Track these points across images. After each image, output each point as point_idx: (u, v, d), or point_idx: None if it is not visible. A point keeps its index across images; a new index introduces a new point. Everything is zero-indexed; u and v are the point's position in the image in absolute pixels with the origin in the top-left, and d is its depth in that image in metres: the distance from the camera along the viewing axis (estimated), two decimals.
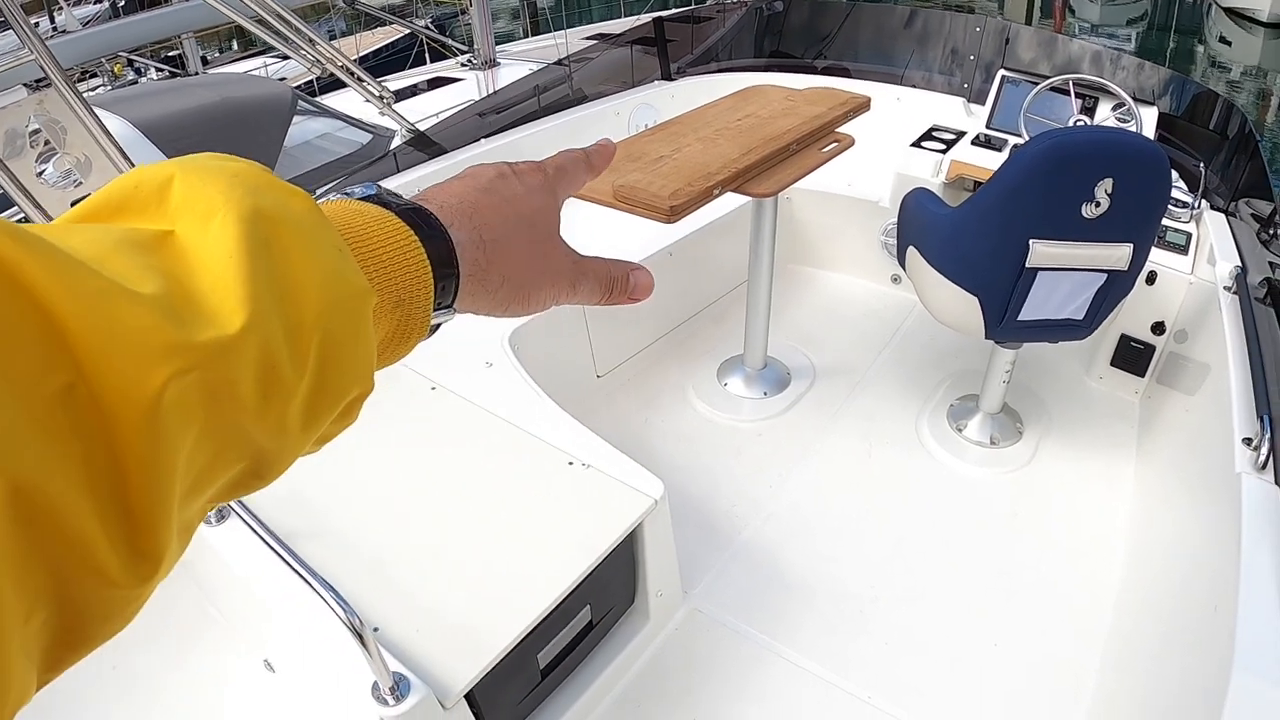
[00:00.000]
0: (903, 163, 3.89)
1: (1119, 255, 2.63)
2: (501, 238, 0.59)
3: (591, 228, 3.66)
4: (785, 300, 4.17)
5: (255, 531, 1.84)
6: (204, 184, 0.41)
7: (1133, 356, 3.43)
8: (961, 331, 2.96)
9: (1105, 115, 3.75)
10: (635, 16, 10.78)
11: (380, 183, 0.56)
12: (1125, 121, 3.67)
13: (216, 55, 17.75)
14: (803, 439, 3.40)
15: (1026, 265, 2.64)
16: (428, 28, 11.68)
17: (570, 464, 2.40)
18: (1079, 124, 3.67)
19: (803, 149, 3.04)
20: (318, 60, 3.91)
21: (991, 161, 3.71)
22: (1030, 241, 2.60)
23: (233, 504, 1.90)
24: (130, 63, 13.00)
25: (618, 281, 0.70)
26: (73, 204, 2.68)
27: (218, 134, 6.20)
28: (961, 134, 4.00)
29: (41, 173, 2.71)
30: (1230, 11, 24.58)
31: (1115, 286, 2.73)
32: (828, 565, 2.85)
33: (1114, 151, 2.47)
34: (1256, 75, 20.29)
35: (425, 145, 3.87)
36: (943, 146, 3.91)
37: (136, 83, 12.22)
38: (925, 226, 2.94)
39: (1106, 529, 2.91)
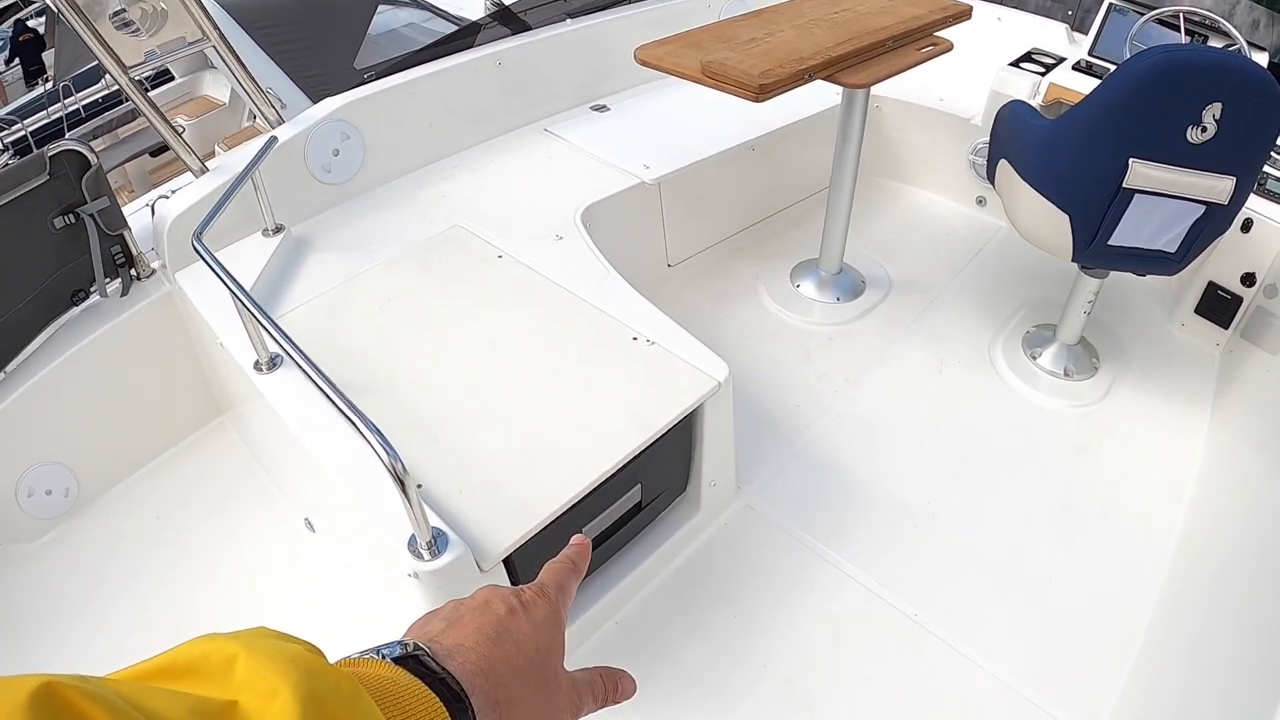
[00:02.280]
0: (999, 81, 3.74)
1: (1221, 188, 2.50)
2: (515, 695, 0.62)
3: (676, 115, 3.60)
4: (866, 211, 4.07)
5: (308, 375, 1.82)
6: (266, 665, 0.46)
7: (1219, 306, 3.29)
8: (1048, 251, 2.85)
9: None
10: None
11: (408, 640, 0.60)
12: None
13: None
14: (873, 348, 3.32)
15: (1124, 185, 2.52)
16: None
17: (634, 339, 2.35)
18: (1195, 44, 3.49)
19: (899, 47, 2.93)
20: None
21: (1092, 88, 3.56)
22: (1130, 160, 2.48)
23: (287, 349, 1.87)
24: None
25: (609, 690, 0.74)
26: (146, 54, 2.69)
27: (302, 16, 6.21)
28: (1062, 59, 3.84)
29: (118, 23, 2.69)
30: None
31: (1212, 222, 2.61)
32: (887, 477, 2.79)
33: (1227, 75, 2.32)
34: None
35: (509, 20, 3.79)
36: (1042, 69, 3.76)
37: None
38: (1020, 138, 2.82)
39: (1174, 477, 2.82)
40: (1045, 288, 3.59)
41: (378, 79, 3.29)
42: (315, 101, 5.68)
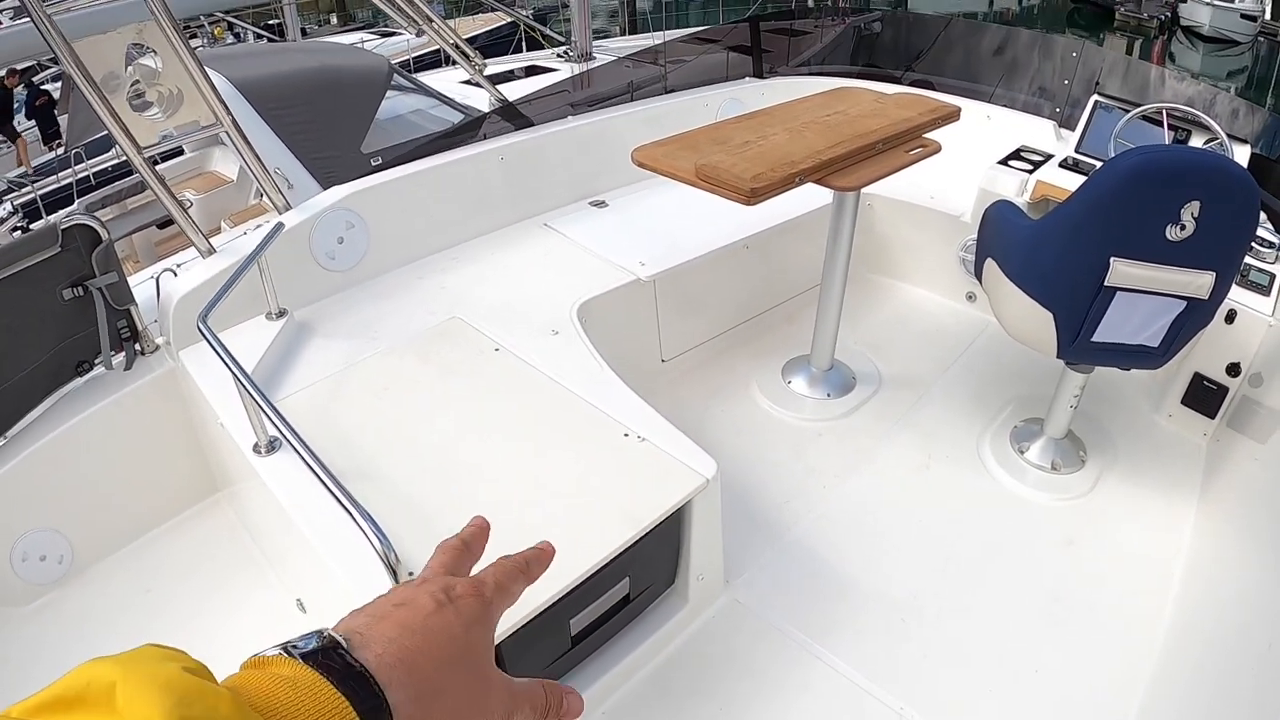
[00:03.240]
0: (988, 179, 3.83)
1: (1201, 283, 2.56)
2: (438, 688, 0.60)
3: (673, 212, 3.69)
4: (857, 307, 4.14)
5: (305, 461, 1.87)
6: (142, 692, 0.46)
7: (1205, 396, 3.35)
8: (1033, 348, 2.90)
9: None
10: (732, 24, 10.83)
11: (327, 632, 0.59)
12: None
13: (316, 28, 18.14)
14: (862, 444, 3.36)
15: (1105, 283, 2.58)
16: (528, 18, 11.82)
17: (625, 435, 2.40)
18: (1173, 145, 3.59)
19: (889, 149, 3.02)
20: (422, 29, 3.97)
21: (1077, 185, 3.63)
22: (1111, 259, 2.54)
23: (285, 433, 1.93)
24: (230, 26, 13.34)
25: (552, 705, 0.72)
26: (161, 136, 2.78)
27: (313, 99, 6.39)
28: (1049, 156, 3.94)
29: (136, 105, 2.77)
30: None
31: (1193, 316, 2.67)
32: (874, 571, 2.81)
33: (1204, 174, 2.41)
34: None
35: (513, 116, 3.91)
36: (1029, 166, 3.86)
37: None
38: (1005, 238, 2.90)
39: (1161, 568, 2.84)
40: (1033, 383, 3.64)
41: (384, 167, 3.40)
42: (322, 183, 5.84)
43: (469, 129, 3.83)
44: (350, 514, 1.74)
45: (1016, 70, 4.78)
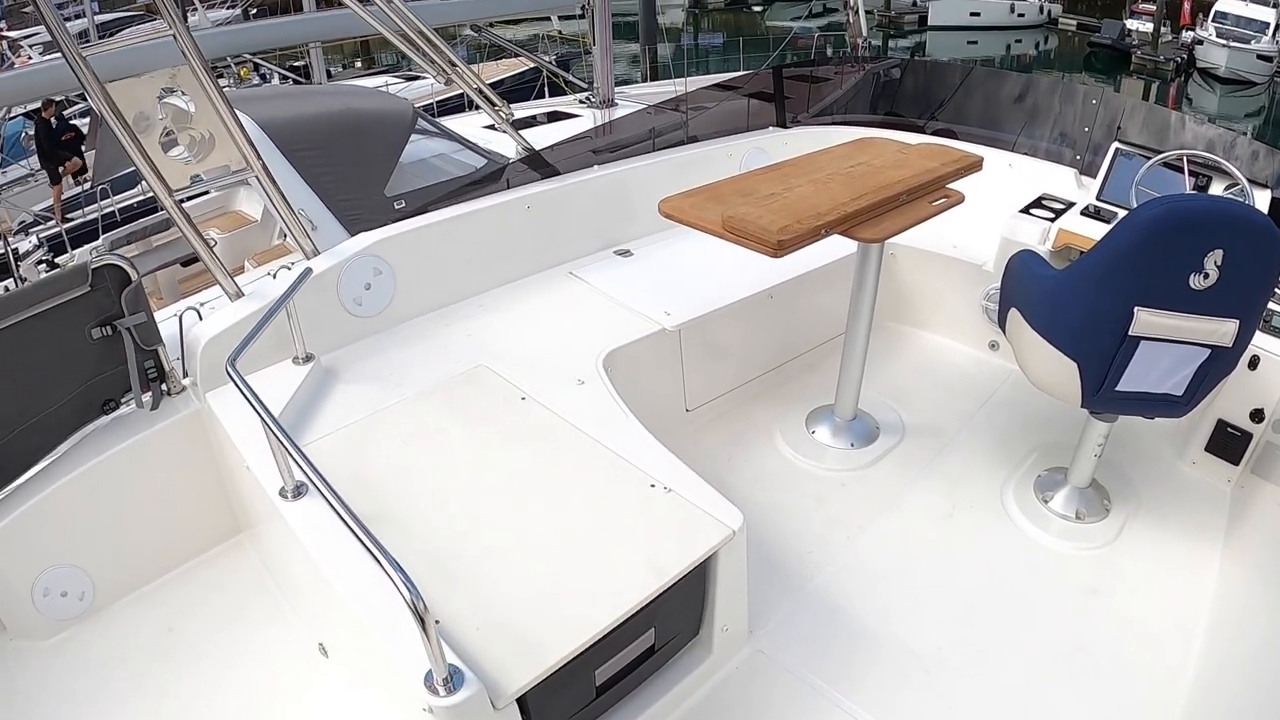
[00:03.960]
0: (1010, 228, 3.85)
1: (1225, 330, 2.57)
2: None
3: (697, 261, 3.71)
4: (881, 356, 4.17)
5: (332, 507, 1.88)
6: None
7: (1229, 443, 3.33)
8: (1057, 398, 2.91)
9: (1219, 194, 3.68)
10: (753, 70, 10.92)
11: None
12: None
13: (341, 70, 18.34)
14: (886, 494, 3.36)
15: (1129, 333, 2.60)
16: (551, 64, 11.94)
17: (652, 486, 2.41)
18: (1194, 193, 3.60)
19: (912, 200, 3.04)
20: (447, 75, 4.02)
21: (1099, 233, 3.61)
22: (1135, 309, 2.56)
23: (312, 478, 1.95)
24: (256, 67, 13.50)
25: None
26: (192, 179, 2.82)
27: (337, 142, 6.44)
28: (1071, 204, 3.94)
29: (166, 145, 2.82)
30: None
31: (1217, 364, 2.67)
32: (898, 622, 2.81)
33: (1228, 222, 2.42)
34: None
35: (539, 165, 3.96)
36: (1051, 215, 3.86)
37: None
38: (1029, 288, 2.91)
39: (1186, 617, 2.82)
40: (1057, 431, 3.64)
41: (408, 212, 3.45)
42: (346, 225, 5.88)
43: (493, 177, 3.87)
44: (379, 561, 1.75)
45: (1037, 117, 4.81)
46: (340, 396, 2.90)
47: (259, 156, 2.98)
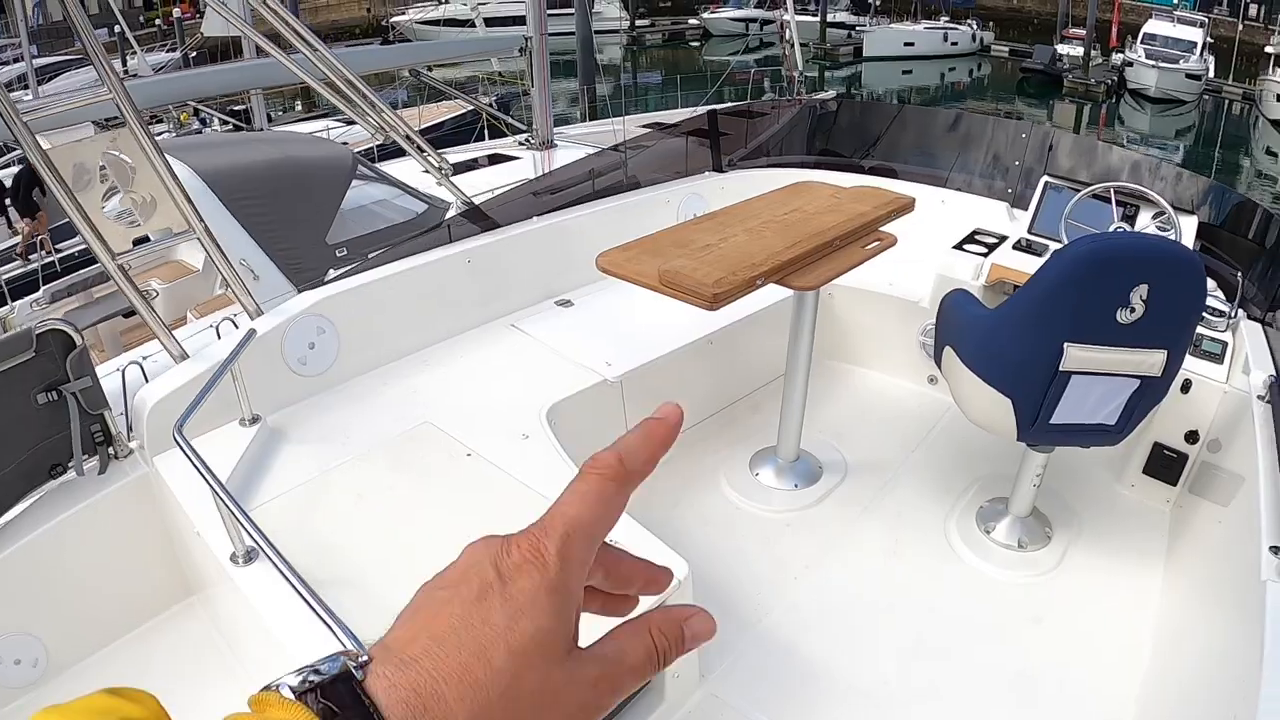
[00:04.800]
0: (944, 264, 3.94)
1: (1153, 361, 2.65)
2: None
3: (637, 309, 3.75)
4: (822, 395, 4.20)
5: (283, 574, 1.89)
6: None
7: (1165, 465, 3.42)
8: (993, 432, 2.97)
9: (1146, 223, 3.80)
10: (692, 108, 11.06)
11: (351, 655, 0.48)
12: (1165, 230, 3.70)
13: (281, 114, 18.21)
14: (831, 532, 3.41)
15: (1060, 369, 2.66)
16: (490, 106, 11.92)
17: None
18: (1118, 230, 3.71)
19: (846, 245, 3.11)
20: (382, 126, 4.03)
21: (1032, 266, 3.67)
22: (1065, 345, 2.62)
23: (262, 545, 1.97)
24: (196, 112, 13.38)
25: (671, 644, 0.57)
26: (135, 242, 2.81)
27: (277, 190, 6.37)
28: (1004, 238, 4.06)
29: (106, 207, 2.81)
30: (1277, 124, 24.88)
31: (1148, 393, 2.75)
32: (848, 658, 2.84)
33: (1151, 258, 2.51)
34: None
35: (479, 218, 3.99)
36: (984, 250, 3.97)
37: (201, 132, 12.57)
38: (962, 327, 2.99)
39: (1131, 639, 2.87)
40: (996, 462, 3.70)
41: (351, 270, 3.46)
42: (287, 274, 5.83)
43: (435, 228, 3.89)
44: (330, 627, 1.77)
45: (969, 152, 4.92)
46: (288, 457, 2.90)
47: (200, 218, 2.96)
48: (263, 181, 6.38)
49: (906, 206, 3.41)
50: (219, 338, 3.28)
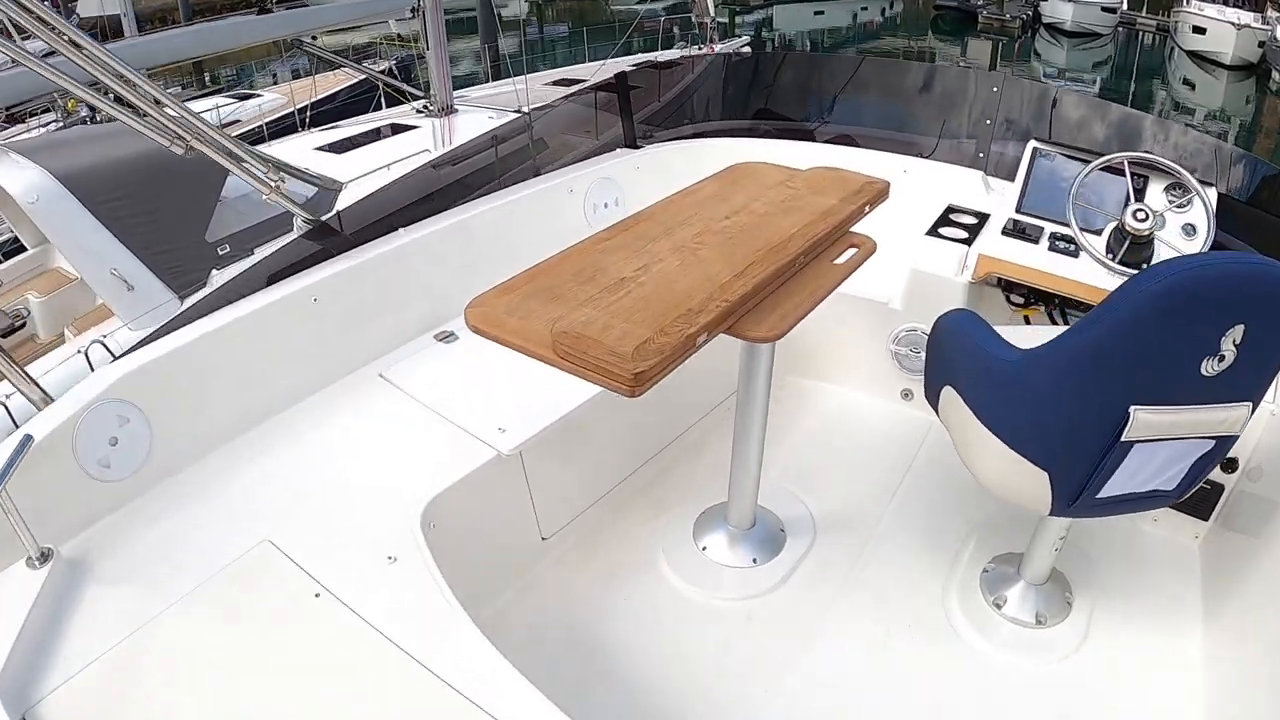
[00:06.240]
0: (919, 257, 3.26)
1: (1235, 418, 2.02)
2: None
3: (518, 374, 2.93)
4: (780, 421, 3.48)
5: None
6: None
7: (1198, 497, 2.82)
8: (1017, 504, 2.31)
9: (1157, 197, 3.18)
10: (599, 61, 10.39)
11: None
12: (1182, 207, 3.10)
13: (180, 90, 17.30)
14: (803, 623, 2.70)
15: (1122, 438, 2.00)
16: (388, 71, 11.25)
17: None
18: (1138, 213, 2.97)
19: (813, 260, 2.37)
20: (178, 134, 3.09)
21: (1029, 256, 3.10)
22: (1132, 409, 1.96)
23: None
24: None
25: None
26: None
27: (147, 187, 5.95)
28: (983, 216, 3.40)
29: None
30: (1194, 55, 25.70)
31: (1219, 451, 2.13)
32: None
33: (1254, 291, 1.82)
34: (1220, 117, 20.63)
35: (324, 236, 3.16)
36: (965, 234, 3.30)
37: (90, 119, 11.82)
38: (974, 368, 2.25)
39: (1177, 712, 2.40)
40: (996, 499, 3.02)
41: (160, 328, 2.69)
42: (166, 280, 5.52)
43: (278, 253, 3.03)
44: None
45: (929, 111, 4.19)
46: (91, 609, 2.12)
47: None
48: (129, 178, 5.93)
49: (881, 194, 2.68)
50: (91, 368, 2.74)
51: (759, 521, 2.96)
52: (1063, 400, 2.02)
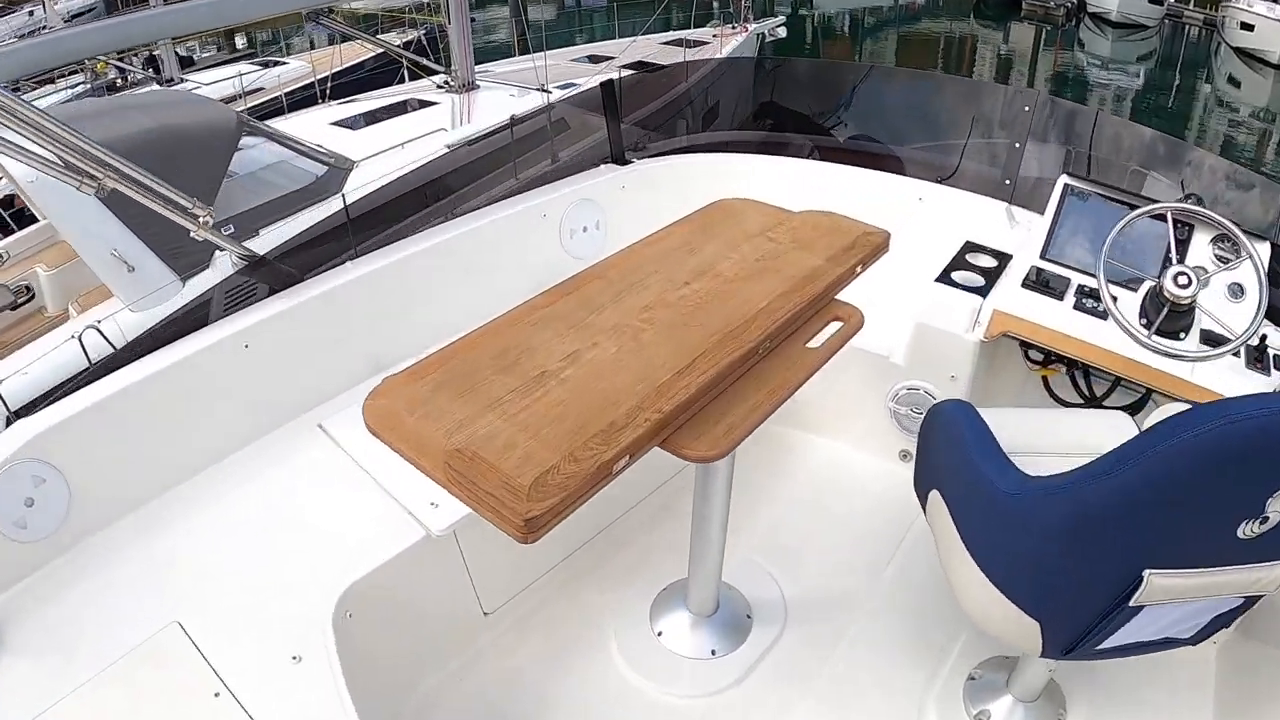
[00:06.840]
0: (927, 310, 2.94)
1: (1270, 578, 1.70)
2: None
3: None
4: (758, 474, 3.19)
5: None
6: None
7: None
8: (1004, 642, 2.05)
9: (1202, 249, 2.82)
10: (631, 38, 10.12)
11: None
12: (1230, 265, 2.75)
13: (208, 54, 17.27)
14: None
15: (1130, 603, 1.71)
16: (415, 42, 11.13)
17: None
18: (1180, 277, 2.58)
19: (781, 343, 2.10)
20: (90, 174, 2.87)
21: (1051, 315, 2.75)
22: (1146, 573, 1.66)
23: None
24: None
25: None
26: None
27: (149, 165, 5.56)
28: (1004, 257, 3.05)
29: None
30: (1240, 52, 25.32)
31: (1247, 606, 1.87)
32: None
33: None
34: (1264, 117, 20.22)
35: (260, 272, 2.96)
36: (980, 281, 2.96)
37: (120, 80, 12.23)
38: (965, 481, 1.95)
39: None
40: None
41: (76, 385, 2.56)
42: (168, 261, 5.44)
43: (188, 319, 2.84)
44: None
45: (951, 130, 3.90)
46: None
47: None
48: (131, 156, 5.58)
49: (879, 249, 2.41)
50: (86, 356, 2.89)
51: (722, 604, 2.67)
52: (1067, 560, 1.72)
